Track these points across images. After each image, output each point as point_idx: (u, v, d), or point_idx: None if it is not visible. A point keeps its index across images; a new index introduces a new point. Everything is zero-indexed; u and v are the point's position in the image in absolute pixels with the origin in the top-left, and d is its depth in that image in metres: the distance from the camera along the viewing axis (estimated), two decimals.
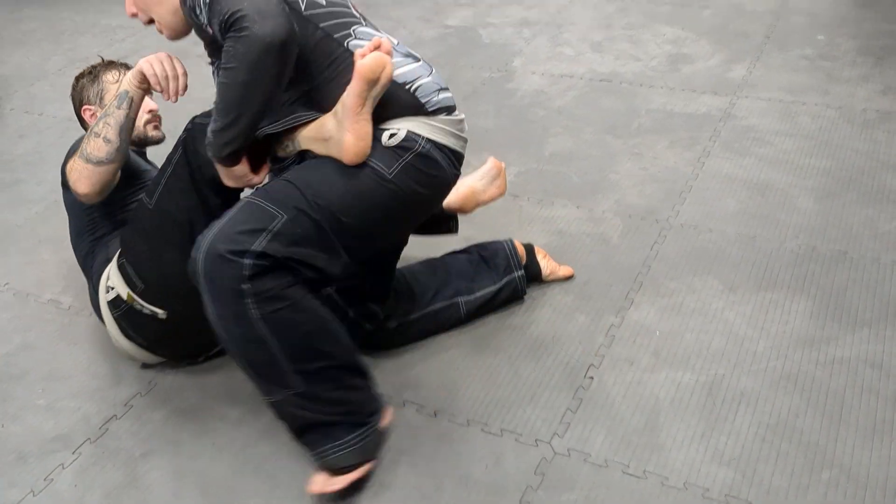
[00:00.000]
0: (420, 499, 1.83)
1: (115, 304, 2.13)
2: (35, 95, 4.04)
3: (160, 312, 2.07)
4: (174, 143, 2.04)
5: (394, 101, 1.78)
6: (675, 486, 1.82)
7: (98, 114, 2.28)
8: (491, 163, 2.47)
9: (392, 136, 1.77)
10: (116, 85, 2.31)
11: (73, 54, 4.52)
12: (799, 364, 2.12)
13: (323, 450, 1.81)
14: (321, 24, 1.80)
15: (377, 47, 1.74)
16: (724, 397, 2.04)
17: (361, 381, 1.86)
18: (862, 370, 2.09)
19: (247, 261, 1.66)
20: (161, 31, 1.98)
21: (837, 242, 2.55)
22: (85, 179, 2.01)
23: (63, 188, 2.26)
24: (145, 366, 2.26)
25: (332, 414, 1.80)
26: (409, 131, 1.78)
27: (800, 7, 4.35)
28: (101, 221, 2.24)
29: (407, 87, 1.81)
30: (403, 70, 1.82)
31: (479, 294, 2.30)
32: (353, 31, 1.84)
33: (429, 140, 1.80)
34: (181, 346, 2.21)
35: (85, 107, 2.34)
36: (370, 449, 1.85)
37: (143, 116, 2.30)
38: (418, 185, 1.80)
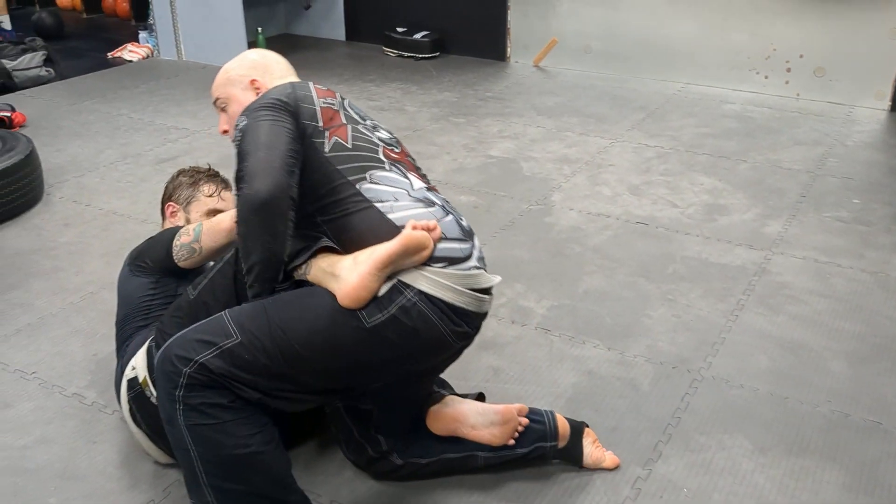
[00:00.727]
0: None
1: (131, 384, 2.16)
2: (84, 186, 4.15)
3: None
4: None
5: None
6: None
7: (178, 215, 2.45)
8: (503, 409, 2.16)
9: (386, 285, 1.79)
10: (209, 199, 2.45)
11: (126, 149, 4.67)
12: None
13: None
14: (339, 167, 1.91)
15: (430, 230, 1.80)
16: None
17: None
18: None
19: (186, 369, 1.73)
20: None
21: (871, 412, 2.51)
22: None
23: (131, 271, 2.33)
24: (158, 463, 2.24)
25: None
26: (398, 280, 1.79)
27: (836, 169, 4.42)
28: (153, 311, 2.28)
29: None
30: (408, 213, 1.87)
31: (503, 454, 2.17)
32: (369, 175, 1.92)
33: (420, 292, 1.79)
34: None
35: (170, 204, 2.47)
36: None
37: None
38: (399, 337, 1.78)
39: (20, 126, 4.91)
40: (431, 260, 1.81)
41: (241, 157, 1.81)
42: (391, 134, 2.13)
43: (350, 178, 1.90)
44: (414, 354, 1.87)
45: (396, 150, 2.05)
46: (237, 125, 1.92)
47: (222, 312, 1.84)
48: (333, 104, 2.03)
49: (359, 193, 1.88)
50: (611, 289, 3.24)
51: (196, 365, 1.73)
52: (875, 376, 2.70)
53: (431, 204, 1.93)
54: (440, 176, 4.32)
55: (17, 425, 2.43)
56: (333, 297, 1.77)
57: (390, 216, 1.85)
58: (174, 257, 2.22)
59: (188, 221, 2.43)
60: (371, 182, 1.91)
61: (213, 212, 2.43)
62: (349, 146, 1.95)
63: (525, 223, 3.81)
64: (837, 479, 2.25)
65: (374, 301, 1.77)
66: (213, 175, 2.51)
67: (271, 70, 2.13)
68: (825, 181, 4.28)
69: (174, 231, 2.26)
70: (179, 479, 2.21)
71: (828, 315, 3.05)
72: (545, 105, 5.47)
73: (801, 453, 2.34)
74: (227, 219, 2.14)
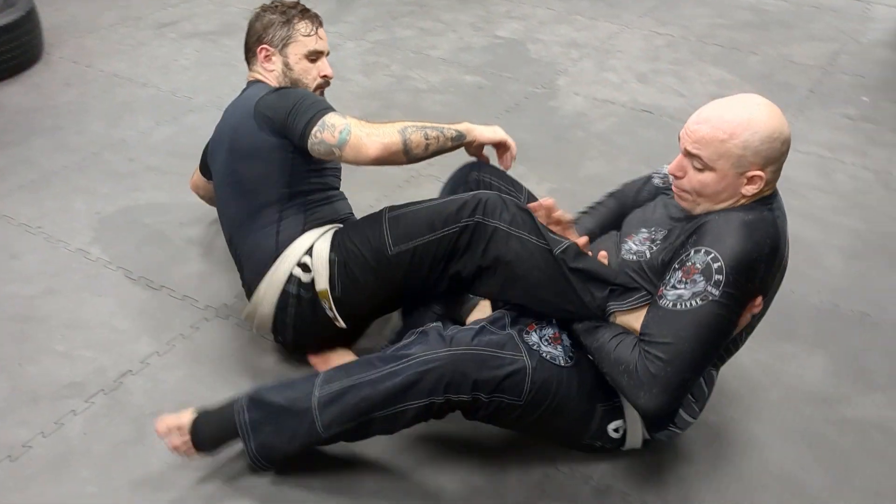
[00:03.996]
0: None
1: (304, 286, 1.99)
2: (84, 47, 4.07)
3: (341, 324, 2.01)
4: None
5: None
6: None
7: (274, 59, 2.16)
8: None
9: None
10: (308, 39, 2.16)
11: (126, 12, 4.56)
12: (809, 419, 2.13)
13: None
14: None
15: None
16: (731, 440, 2.05)
17: None
18: (871, 433, 2.10)
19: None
20: None
21: (860, 304, 2.57)
22: (381, 152, 1.92)
23: (259, 126, 2.02)
24: (160, 317, 2.29)
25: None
26: None
27: (847, 66, 4.36)
28: (297, 176, 2.07)
29: None
30: None
31: None
32: None
33: None
34: (314, 345, 2.15)
35: (263, 46, 2.16)
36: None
37: (316, 79, 2.20)
38: None
39: None
40: None
41: None
42: None
43: None
44: None
45: None
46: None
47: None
48: None
49: None
50: (612, 175, 3.23)
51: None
52: (867, 271, 2.74)
53: None
54: (445, 54, 4.25)
55: (24, 276, 2.47)
56: None
57: None
58: (308, 144, 1.97)
59: (286, 65, 2.16)
60: None
61: (315, 53, 2.18)
62: None
63: (530, 106, 3.77)
64: (822, 364, 2.32)
65: None
66: (304, 10, 2.21)
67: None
68: (836, 78, 4.22)
69: (317, 108, 1.97)
70: (183, 333, 2.28)
71: (827, 210, 3.07)
72: None
73: (789, 339, 2.40)
74: (375, 145, 1.91)
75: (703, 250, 1.61)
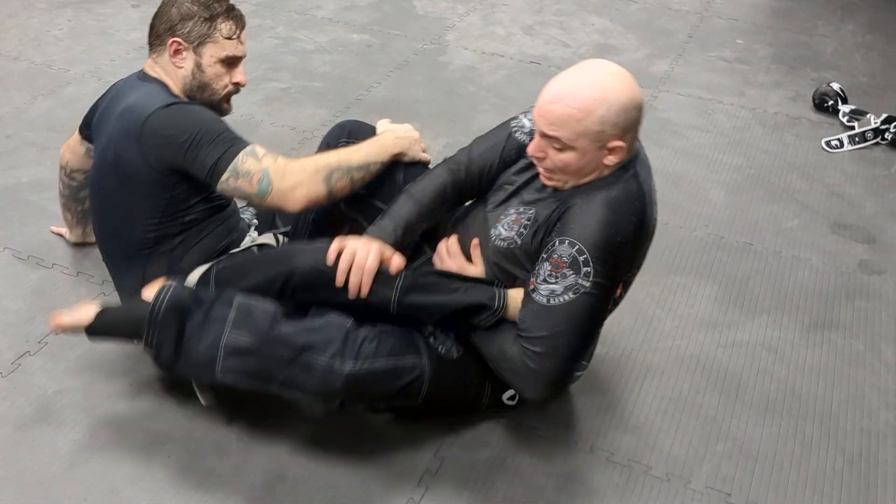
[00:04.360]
0: None
1: None
2: None
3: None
4: None
5: None
6: (583, 449, 1.92)
7: (185, 55, 1.91)
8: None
9: None
10: (228, 42, 1.93)
11: None
12: (702, 345, 2.25)
13: None
14: None
15: None
16: (630, 371, 2.15)
17: None
18: (759, 353, 2.23)
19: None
20: None
21: (743, 235, 2.71)
22: (305, 206, 1.82)
23: (144, 157, 1.80)
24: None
25: None
26: None
27: (722, 10, 4.53)
28: (175, 215, 1.88)
29: None
30: None
31: None
32: None
33: None
34: None
35: (176, 40, 1.90)
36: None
37: (227, 87, 1.98)
38: None
39: None
40: None
41: None
42: None
43: None
44: None
45: None
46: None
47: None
48: None
49: None
50: None
51: None
52: (749, 203, 2.89)
53: None
54: (330, 14, 4.20)
55: None
56: None
57: None
58: (216, 186, 1.80)
59: (197, 66, 1.93)
60: None
61: (233, 58, 1.97)
62: None
63: (419, 62, 3.78)
64: (711, 293, 2.44)
65: None
66: (231, 8, 1.97)
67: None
68: (711, 22, 4.38)
69: (225, 144, 1.78)
70: None
71: (709, 148, 3.21)
72: None
73: (679, 272, 2.52)
74: (299, 201, 1.80)
75: (567, 241, 1.61)
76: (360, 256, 1.71)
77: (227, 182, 1.78)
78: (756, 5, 4.65)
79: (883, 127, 3.27)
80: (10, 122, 3.08)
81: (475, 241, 1.85)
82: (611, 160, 1.65)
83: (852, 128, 3.33)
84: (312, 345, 1.69)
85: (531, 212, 1.76)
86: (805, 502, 1.84)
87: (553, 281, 1.62)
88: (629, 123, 1.61)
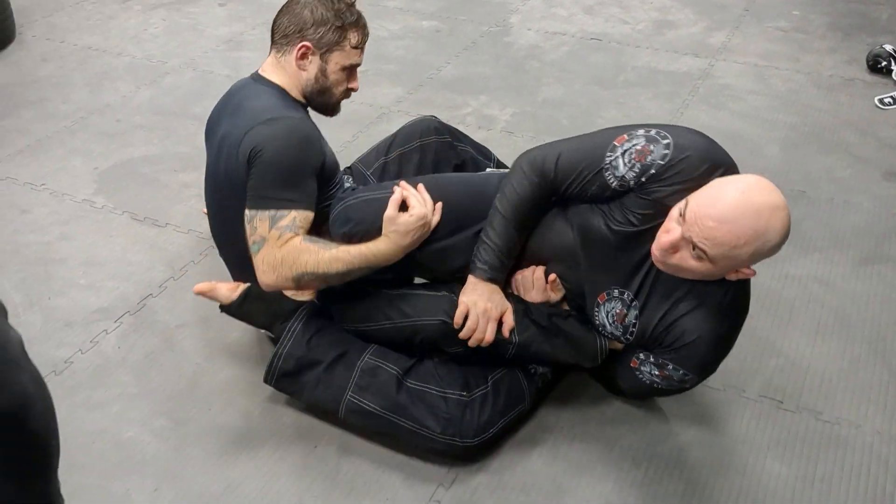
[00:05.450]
0: None
1: None
2: (55, 24, 4.23)
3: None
4: None
5: None
6: None
7: (312, 59, 1.96)
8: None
9: None
10: (353, 52, 1.99)
11: None
12: (758, 277, 2.41)
13: None
14: None
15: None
16: None
17: None
18: (811, 285, 2.40)
19: None
20: None
21: (798, 184, 2.86)
22: (270, 286, 1.85)
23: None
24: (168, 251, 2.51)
25: None
26: None
27: None
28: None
29: None
30: None
31: None
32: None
33: None
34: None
35: (305, 44, 1.94)
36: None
37: (344, 92, 2.05)
38: None
39: None
40: None
41: None
42: None
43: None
44: None
45: None
46: None
47: None
48: None
49: None
50: (567, 97, 3.50)
51: None
52: (804, 157, 3.03)
53: None
54: (401, 4, 4.46)
55: (38, 226, 2.67)
56: None
57: None
58: (246, 208, 1.84)
59: (321, 71, 1.98)
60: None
61: (354, 66, 2.02)
62: None
63: (486, 43, 4.01)
64: None
65: None
66: (359, 18, 2.01)
67: None
68: None
69: (272, 202, 1.80)
70: (193, 260, 2.51)
71: (765, 110, 3.36)
72: None
73: None
74: (267, 280, 1.83)
75: (681, 371, 1.75)
76: (482, 325, 1.82)
77: (246, 217, 1.83)
78: None
79: None
80: (119, 108, 3.41)
81: (553, 277, 1.89)
82: (733, 278, 1.68)
83: None
84: (431, 426, 1.84)
85: (635, 311, 1.78)
86: (853, 409, 2.01)
87: (657, 378, 1.80)
88: (769, 257, 1.63)
